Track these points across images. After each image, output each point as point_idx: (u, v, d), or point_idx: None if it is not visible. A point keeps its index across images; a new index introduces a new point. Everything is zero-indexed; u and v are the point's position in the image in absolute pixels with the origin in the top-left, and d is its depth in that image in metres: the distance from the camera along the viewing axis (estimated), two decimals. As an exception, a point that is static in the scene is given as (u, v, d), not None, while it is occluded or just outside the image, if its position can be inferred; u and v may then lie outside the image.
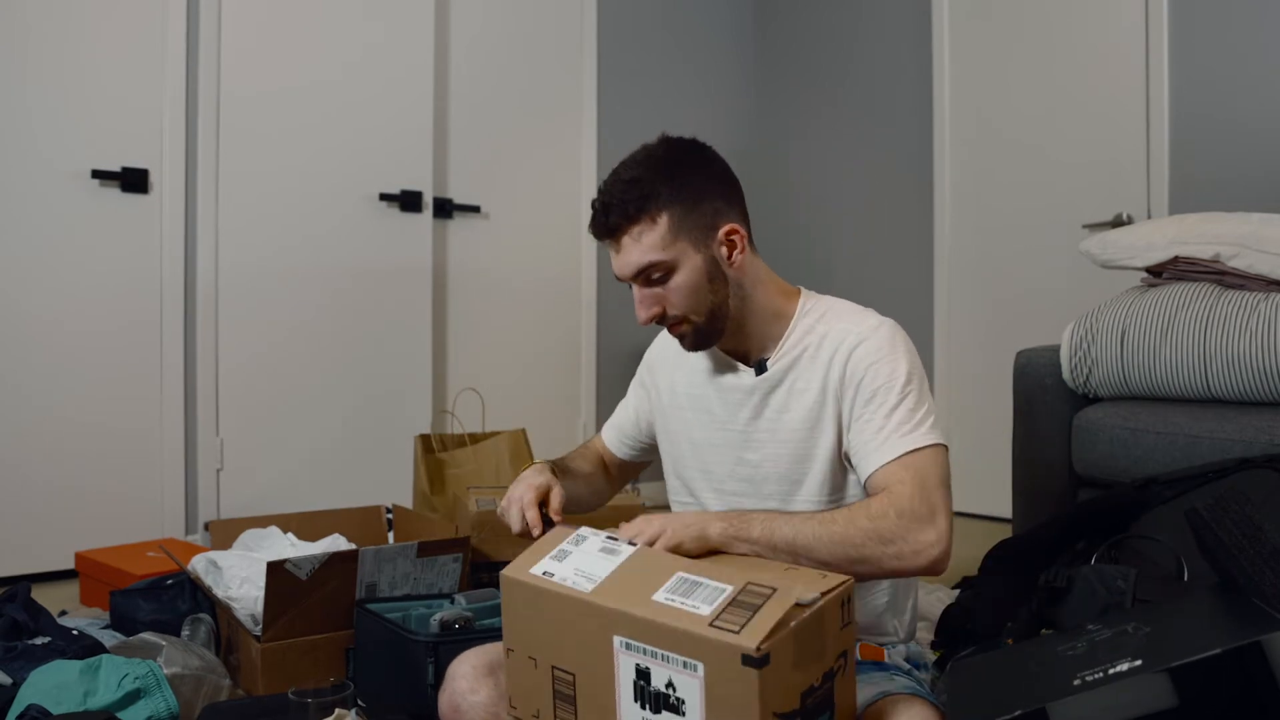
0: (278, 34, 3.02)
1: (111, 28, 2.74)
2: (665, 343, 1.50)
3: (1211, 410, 1.83)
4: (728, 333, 1.34)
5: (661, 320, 1.31)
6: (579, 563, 1.11)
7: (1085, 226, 3.12)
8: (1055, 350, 2.09)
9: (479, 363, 3.46)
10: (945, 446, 1.23)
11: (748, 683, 0.93)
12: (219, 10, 2.90)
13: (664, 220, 1.26)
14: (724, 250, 1.31)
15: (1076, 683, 0.98)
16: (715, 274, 1.30)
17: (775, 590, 0.98)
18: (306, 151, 3.07)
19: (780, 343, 1.35)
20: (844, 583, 1.05)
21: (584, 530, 1.16)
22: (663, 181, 1.27)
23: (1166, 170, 2.94)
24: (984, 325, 3.48)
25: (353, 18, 3.15)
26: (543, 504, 1.32)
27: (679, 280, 1.28)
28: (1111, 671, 0.98)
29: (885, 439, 1.22)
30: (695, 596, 1.01)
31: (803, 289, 1.41)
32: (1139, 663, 0.97)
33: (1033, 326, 3.11)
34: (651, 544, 1.14)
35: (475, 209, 3.47)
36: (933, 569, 1.15)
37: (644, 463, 1.61)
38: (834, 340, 1.31)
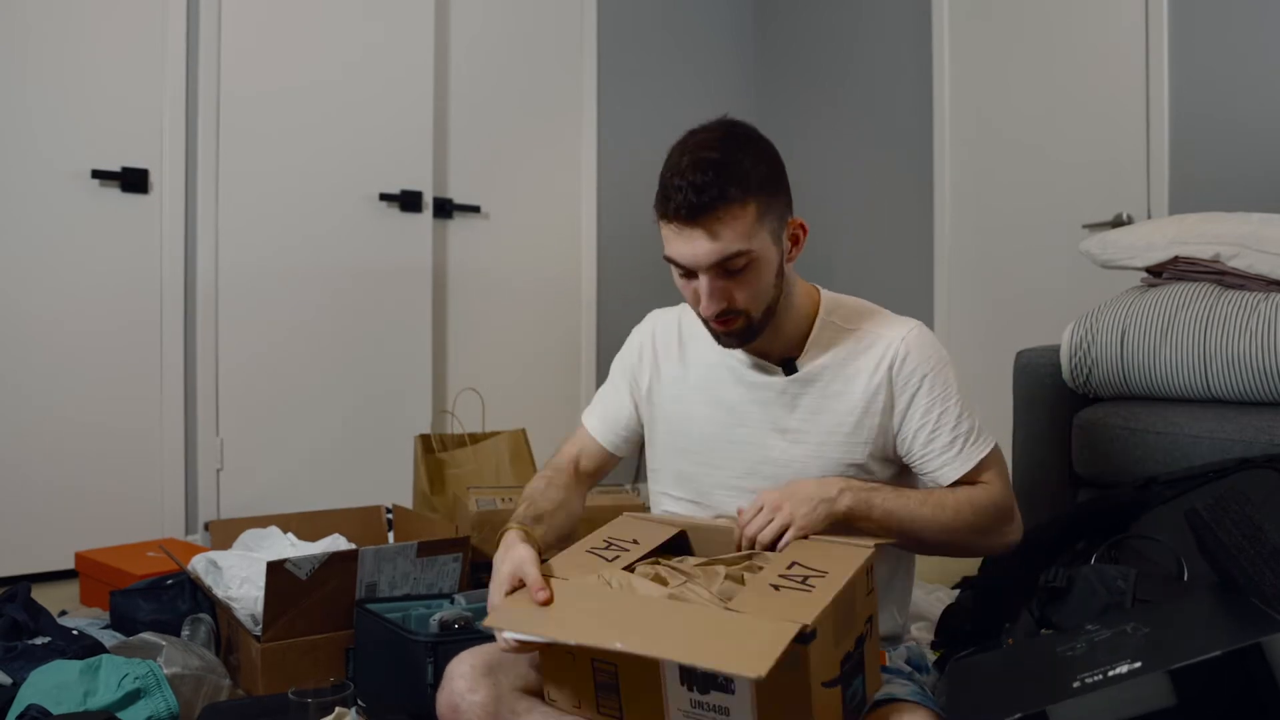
0: (278, 34, 3.02)
1: (111, 28, 2.74)
2: (665, 330, 1.47)
3: (1211, 410, 1.83)
4: (763, 338, 1.31)
5: (722, 313, 1.26)
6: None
7: (1085, 226, 3.12)
8: (1055, 350, 2.09)
9: (479, 363, 3.46)
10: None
11: (798, 658, 0.95)
12: (219, 10, 2.90)
13: (752, 208, 1.21)
14: (788, 244, 1.29)
15: (1076, 685, 0.98)
16: (779, 269, 1.28)
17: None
18: (306, 151, 3.07)
19: (806, 343, 1.34)
20: (869, 553, 1.09)
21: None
22: (751, 165, 1.22)
23: (1166, 170, 2.93)
24: (984, 325, 3.48)
25: (353, 18, 3.15)
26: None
27: (755, 273, 1.24)
28: (1111, 673, 0.98)
29: (960, 451, 1.32)
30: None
31: (818, 286, 1.41)
32: (1138, 664, 0.97)
33: (1033, 326, 3.11)
34: (778, 538, 1.17)
35: (475, 209, 3.46)
36: (1008, 551, 1.36)
37: (618, 458, 1.55)
38: (875, 348, 1.32)
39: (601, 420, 1.53)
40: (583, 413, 1.57)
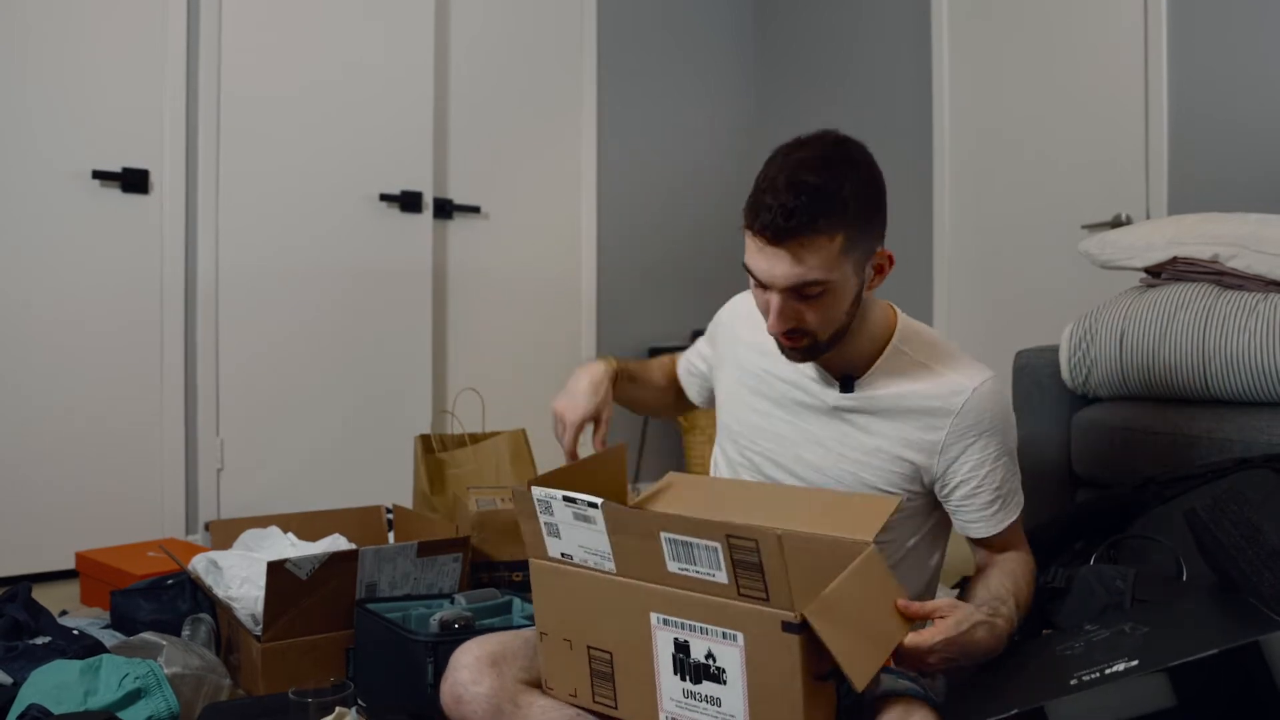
0: (278, 34, 3.02)
1: (111, 28, 2.74)
2: (742, 314, 1.48)
3: (1210, 410, 1.83)
4: (830, 355, 1.32)
5: (789, 332, 1.26)
6: (576, 538, 1.11)
7: (1084, 227, 3.12)
8: (1054, 350, 2.09)
9: (479, 363, 3.46)
10: None
11: (789, 648, 0.95)
12: (219, 11, 2.90)
13: (839, 240, 1.19)
14: (871, 273, 1.28)
15: (1074, 682, 0.99)
16: (856, 298, 1.27)
17: (757, 541, 0.98)
18: (306, 152, 3.07)
19: (871, 366, 1.34)
20: (866, 547, 1.10)
21: (540, 493, 1.13)
22: (849, 194, 1.19)
23: (1165, 171, 2.93)
24: (984, 325, 3.48)
25: (353, 18, 3.15)
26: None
27: (829, 302, 1.23)
28: (1109, 671, 0.98)
29: (996, 513, 1.35)
30: (700, 562, 1.02)
31: (895, 308, 1.39)
32: (1136, 663, 0.97)
33: (1032, 326, 3.11)
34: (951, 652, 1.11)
35: (475, 209, 3.47)
36: None
37: (696, 405, 1.65)
38: (942, 390, 1.31)
39: (685, 360, 1.64)
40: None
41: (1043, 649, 1.16)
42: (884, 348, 1.34)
